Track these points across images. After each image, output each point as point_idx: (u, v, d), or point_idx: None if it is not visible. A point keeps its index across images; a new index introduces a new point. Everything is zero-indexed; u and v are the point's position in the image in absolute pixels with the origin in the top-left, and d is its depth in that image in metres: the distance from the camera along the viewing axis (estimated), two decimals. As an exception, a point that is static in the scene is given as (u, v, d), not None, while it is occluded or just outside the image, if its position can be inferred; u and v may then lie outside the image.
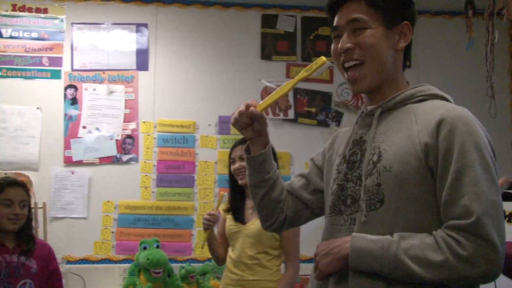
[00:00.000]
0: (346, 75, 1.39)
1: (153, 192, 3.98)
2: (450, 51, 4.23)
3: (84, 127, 3.96)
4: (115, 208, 3.93)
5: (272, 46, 4.21)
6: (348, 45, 1.35)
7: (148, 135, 4.02)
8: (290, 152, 4.06)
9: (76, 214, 3.88)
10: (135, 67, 4.07)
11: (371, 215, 1.27)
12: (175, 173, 4.01)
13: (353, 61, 1.35)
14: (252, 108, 1.43)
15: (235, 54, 4.17)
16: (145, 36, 4.10)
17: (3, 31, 3.98)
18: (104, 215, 3.92)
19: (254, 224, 2.59)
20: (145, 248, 3.57)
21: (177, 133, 4.05)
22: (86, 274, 3.78)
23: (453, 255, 1.15)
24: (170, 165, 4.02)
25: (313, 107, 4.18)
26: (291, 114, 4.15)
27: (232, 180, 2.70)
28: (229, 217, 2.72)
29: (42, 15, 4.03)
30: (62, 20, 4.04)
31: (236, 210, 2.68)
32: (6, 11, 4.00)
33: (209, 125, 4.09)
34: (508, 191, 2.75)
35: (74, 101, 3.98)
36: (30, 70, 3.96)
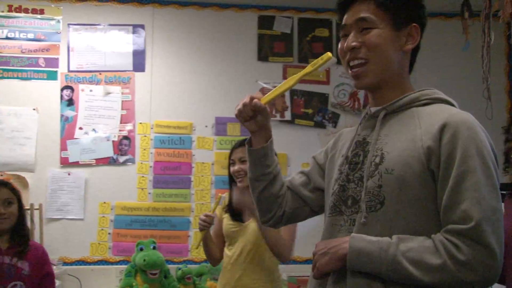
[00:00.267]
0: (350, 72, 1.40)
1: (149, 193, 3.97)
2: (446, 52, 4.24)
3: (80, 128, 3.95)
4: (111, 209, 3.92)
5: (269, 47, 4.21)
6: (354, 43, 1.35)
7: (145, 136, 4.02)
8: (287, 153, 4.06)
9: (72, 215, 3.88)
10: (131, 68, 4.06)
11: (371, 216, 1.27)
12: (171, 174, 4.01)
13: (358, 59, 1.36)
14: (255, 100, 1.44)
15: (231, 55, 4.17)
16: (142, 37, 4.10)
17: (-1, 32, 3.98)
18: (101, 216, 3.91)
19: (253, 222, 2.59)
20: (141, 250, 3.56)
21: (173, 134, 4.05)
22: (83, 276, 3.77)
23: (451, 259, 1.15)
24: (167, 166, 4.01)
25: (310, 109, 4.18)
26: (287, 115, 4.15)
27: (232, 180, 2.70)
28: (226, 216, 2.72)
29: (39, 16, 4.02)
30: (58, 21, 4.03)
31: (235, 210, 2.68)
32: (2, 11, 3.98)
33: (206, 126, 4.09)
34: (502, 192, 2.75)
35: (70, 102, 3.97)
36: (26, 71, 3.95)
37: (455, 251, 1.15)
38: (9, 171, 3.80)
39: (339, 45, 1.41)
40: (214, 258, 2.78)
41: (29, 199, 3.74)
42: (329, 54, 1.40)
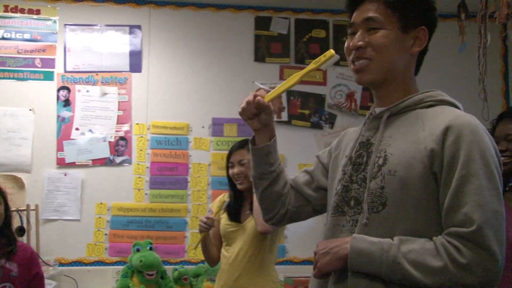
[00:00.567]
0: (352, 66, 1.40)
1: (146, 194, 3.97)
2: (442, 53, 4.24)
3: (77, 129, 3.94)
4: (108, 210, 3.92)
5: (266, 48, 4.21)
6: (360, 43, 1.35)
7: (141, 137, 4.01)
8: (284, 154, 4.06)
9: (69, 216, 3.87)
10: (128, 69, 4.06)
11: (372, 217, 1.27)
12: (168, 175, 4.00)
13: (363, 59, 1.36)
14: (259, 98, 1.44)
15: (228, 56, 4.17)
16: (139, 37, 4.09)
17: (-5, 32, 3.97)
18: (97, 217, 3.90)
19: (250, 222, 2.59)
20: (138, 250, 3.57)
21: (170, 135, 4.04)
22: (79, 277, 3.76)
23: (452, 262, 1.15)
24: (163, 167, 4.01)
25: (307, 109, 4.19)
26: (284, 116, 4.15)
27: (232, 183, 2.70)
28: (223, 216, 2.72)
29: (35, 16, 4.01)
30: (55, 22, 4.02)
31: (233, 211, 2.69)
32: (-2, 12, 3.98)
33: (203, 127, 4.08)
34: None
35: (67, 103, 3.96)
36: (22, 71, 3.94)
37: (456, 254, 1.15)
38: (5, 172, 3.78)
39: (346, 43, 1.41)
40: (212, 258, 2.78)
41: (25, 200, 3.73)
42: (331, 51, 1.41)
